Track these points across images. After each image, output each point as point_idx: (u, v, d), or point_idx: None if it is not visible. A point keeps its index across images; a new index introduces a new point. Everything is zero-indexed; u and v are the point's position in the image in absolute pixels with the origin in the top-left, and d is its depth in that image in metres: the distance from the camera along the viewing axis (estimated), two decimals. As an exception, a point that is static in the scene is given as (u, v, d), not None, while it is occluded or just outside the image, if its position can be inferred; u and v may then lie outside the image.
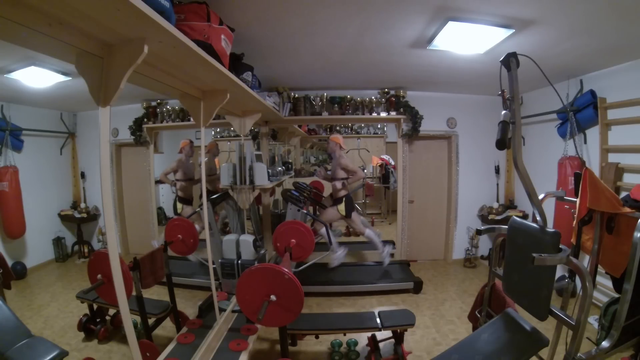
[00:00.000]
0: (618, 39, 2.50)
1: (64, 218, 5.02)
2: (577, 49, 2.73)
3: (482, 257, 4.86)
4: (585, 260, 2.01)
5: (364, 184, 6.32)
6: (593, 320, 2.78)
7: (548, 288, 1.52)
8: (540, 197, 1.81)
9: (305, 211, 3.55)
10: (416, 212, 4.83)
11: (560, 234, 1.49)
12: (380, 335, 2.59)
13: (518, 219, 1.77)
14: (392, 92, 4.40)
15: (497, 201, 4.73)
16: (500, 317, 1.89)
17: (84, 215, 4.98)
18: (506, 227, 1.81)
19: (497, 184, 4.80)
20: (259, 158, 3.21)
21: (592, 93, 3.29)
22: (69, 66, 1.35)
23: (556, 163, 3.64)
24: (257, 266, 1.74)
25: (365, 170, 6.50)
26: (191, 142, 4.48)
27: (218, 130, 5.74)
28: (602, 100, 3.22)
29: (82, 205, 5.08)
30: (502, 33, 2.37)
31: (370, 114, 4.38)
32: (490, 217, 4.53)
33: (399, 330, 2.52)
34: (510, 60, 1.47)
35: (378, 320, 2.53)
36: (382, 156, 6.55)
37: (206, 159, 4.59)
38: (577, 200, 1.90)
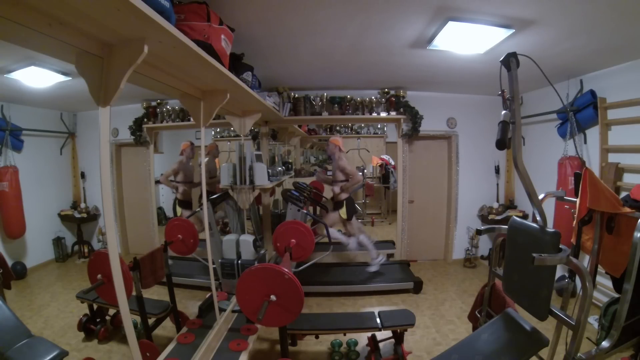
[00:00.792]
0: (618, 39, 2.50)
1: (64, 218, 5.02)
2: (577, 49, 2.73)
3: (482, 257, 4.86)
4: (585, 260, 2.02)
5: (364, 184, 6.32)
6: (593, 320, 2.78)
7: (548, 288, 1.51)
8: (540, 197, 1.81)
9: (305, 211, 3.55)
10: (416, 212, 4.83)
11: (560, 234, 1.48)
12: (380, 335, 2.59)
13: (518, 219, 1.77)
14: (392, 92, 4.40)
15: (497, 201, 4.73)
16: (500, 317, 1.89)
17: (84, 215, 4.98)
18: (506, 227, 1.81)
19: (497, 184, 4.80)
20: (259, 158, 3.21)
21: (592, 93, 3.29)
22: (69, 66, 1.35)
23: (556, 163, 3.64)
24: (257, 266, 1.74)
25: (365, 171, 6.50)
26: (192, 144, 4.46)
27: (218, 130, 5.74)
28: (602, 100, 3.22)
29: (82, 205, 5.08)
30: (502, 33, 2.37)
31: (370, 114, 4.38)
32: (490, 217, 4.53)
33: (399, 330, 2.52)
34: (510, 60, 1.47)
35: (378, 320, 2.53)
36: (382, 156, 6.55)
37: (206, 159, 4.59)
38: (577, 200, 1.90)
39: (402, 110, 4.41)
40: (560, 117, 3.70)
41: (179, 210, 4.39)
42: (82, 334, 2.88)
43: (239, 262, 2.57)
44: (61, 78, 3.07)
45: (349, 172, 3.98)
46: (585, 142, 3.48)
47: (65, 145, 5.13)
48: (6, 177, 4.12)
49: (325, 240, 3.58)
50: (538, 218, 1.60)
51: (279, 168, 4.16)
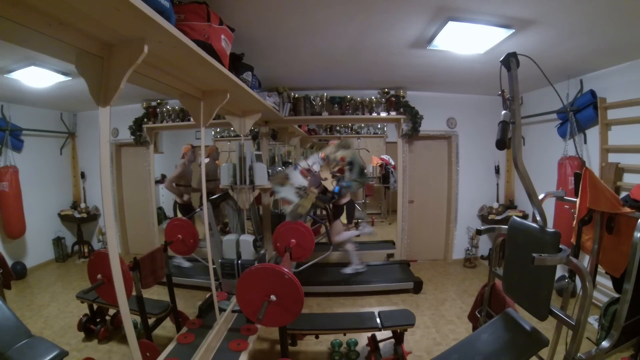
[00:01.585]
0: (618, 39, 2.50)
1: (64, 218, 5.02)
2: (577, 49, 2.73)
3: (482, 257, 4.86)
4: (585, 260, 2.01)
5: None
6: (593, 320, 2.78)
7: (548, 288, 1.51)
8: (540, 197, 1.81)
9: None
10: (416, 212, 4.82)
11: (560, 234, 1.48)
12: (380, 335, 2.59)
13: (518, 219, 1.76)
14: (392, 92, 4.40)
15: (497, 201, 4.73)
16: (500, 317, 1.89)
17: (84, 215, 4.98)
18: (506, 227, 1.81)
19: (497, 184, 4.79)
20: (259, 158, 3.21)
21: (592, 93, 3.29)
22: (69, 66, 1.35)
23: (556, 163, 3.64)
24: (257, 266, 1.74)
25: (365, 171, 6.49)
26: (193, 147, 4.43)
27: (218, 130, 5.73)
28: (602, 100, 3.21)
29: (82, 205, 5.08)
30: (502, 33, 2.37)
31: (370, 114, 4.38)
32: (490, 217, 4.53)
33: (399, 330, 2.52)
34: (510, 60, 1.47)
35: (378, 320, 2.53)
36: (382, 156, 6.55)
37: (207, 160, 4.59)
38: (577, 200, 1.89)
39: (402, 110, 4.40)
40: (560, 117, 3.70)
41: (179, 215, 4.38)
42: (82, 334, 2.88)
43: (239, 262, 2.57)
44: (61, 78, 3.07)
45: None
46: (585, 142, 3.48)
47: (65, 145, 5.13)
48: (6, 177, 4.12)
49: (325, 240, 3.59)
50: (538, 218, 1.60)
51: (279, 168, 4.16)
